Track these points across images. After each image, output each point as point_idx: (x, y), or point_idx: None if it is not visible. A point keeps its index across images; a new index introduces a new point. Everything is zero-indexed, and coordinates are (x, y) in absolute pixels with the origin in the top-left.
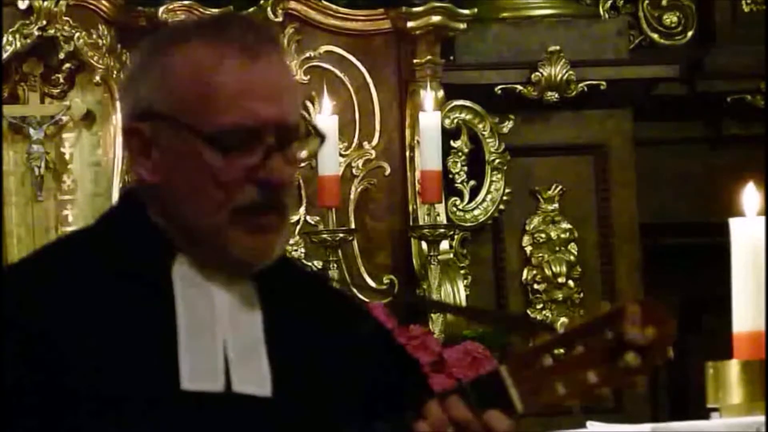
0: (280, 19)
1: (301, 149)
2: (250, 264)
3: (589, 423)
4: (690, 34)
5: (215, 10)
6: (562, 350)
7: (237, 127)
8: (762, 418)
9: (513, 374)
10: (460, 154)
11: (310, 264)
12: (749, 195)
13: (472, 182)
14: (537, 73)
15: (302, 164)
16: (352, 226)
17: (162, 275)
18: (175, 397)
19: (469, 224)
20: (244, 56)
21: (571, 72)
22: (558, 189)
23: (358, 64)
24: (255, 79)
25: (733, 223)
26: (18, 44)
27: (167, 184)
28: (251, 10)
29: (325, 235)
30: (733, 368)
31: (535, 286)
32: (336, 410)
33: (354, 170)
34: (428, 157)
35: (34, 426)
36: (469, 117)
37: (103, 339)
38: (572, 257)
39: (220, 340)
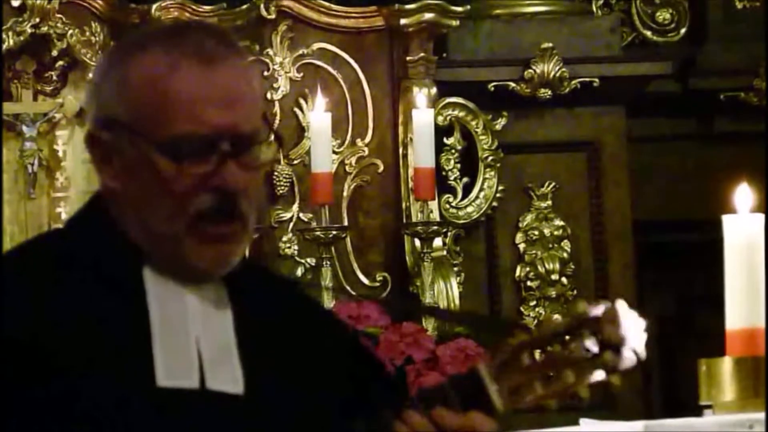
0: (273, 16)
1: (259, 154)
2: (208, 272)
3: (582, 420)
4: (683, 31)
5: (207, 7)
6: (540, 349)
7: (189, 135)
8: (755, 416)
9: (491, 373)
10: (453, 151)
11: (303, 261)
12: (742, 192)
13: (465, 179)
14: (530, 70)
15: (262, 168)
16: (345, 223)
17: (132, 276)
18: (152, 394)
19: (462, 221)
20: (198, 63)
21: (563, 69)
22: (551, 186)
23: (351, 61)
24: (209, 86)
25: (726, 220)
26: (11, 42)
27: (127, 192)
28: (244, 7)
29: (318, 233)
30: (726, 365)
31: (528, 284)
32: (308, 408)
33: (347, 167)
34: (421, 154)
35: (9, 426)
36: (462, 114)
37: (76, 339)
38: (565, 254)
39: (193, 339)
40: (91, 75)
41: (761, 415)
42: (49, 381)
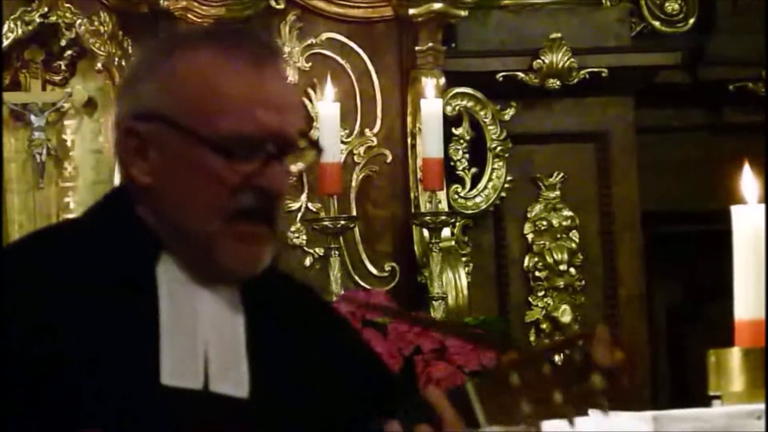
0: (281, 6)
1: (297, 161)
2: (236, 273)
3: (590, 411)
4: (691, 21)
5: None
6: (530, 369)
7: (239, 133)
8: (764, 406)
9: (479, 391)
10: (461, 141)
11: (311, 251)
12: (750, 182)
13: (473, 169)
14: (538, 61)
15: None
16: (354, 213)
17: (146, 271)
18: (155, 392)
19: (470, 212)
20: (249, 64)
21: (572, 59)
22: (559, 176)
23: (360, 51)
24: (259, 86)
25: (735, 210)
26: (20, 31)
27: (162, 187)
28: None
29: (326, 223)
30: (734, 356)
31: (537, 274)
32: (314, 415)
33: (355, 157)
34: (430, 144)
35: (11, 421)
36: (470, 104)
37: (83, 331)
38: (574, 245)
39: (201, 340)
40: (100, 60)
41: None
42: (52, 372)
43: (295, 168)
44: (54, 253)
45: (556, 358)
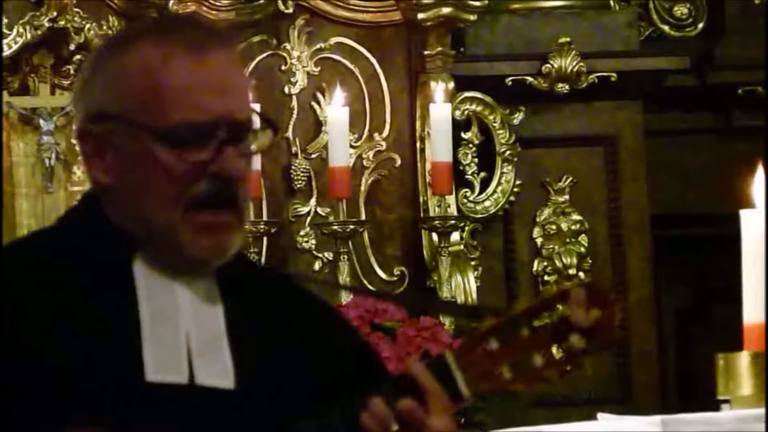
0: (290, 10)
1: (254, 143)
2: (205, 262)
3: (599, 415)
4: (700, 25)
5: (225, 1)
6: (508, 334)
7: (187, 123)
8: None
9: (459, 359)
10: (470, 145)
11: (320, 255)
12: (759, 186)
13: (482, 174)
14: (547, 65)
15: (256, 156)
16: (363, 217)
17: (122, 270)
18: (141, 389)
19: (479, 216)
20: (190, 53)
21: (581, 63)
22: (568, 180)
23: (369, 55)
24: (202, 74)
25: (744, 214)
26: (28, 35)
27: (122, 185)
28: (262, 1)
29: (335, 227)
30: (743, 359)
31: (546, 278)
32: (298, 402)
33: (364, 161)
34: (439, 148)
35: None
36: (479, 108)
37: (65, 333)
38: (583, 249)
39: (183, 333)
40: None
41: None
42: (38, 375)
43: (254, 148)
44: (30, 258)
45: (535, 321)
